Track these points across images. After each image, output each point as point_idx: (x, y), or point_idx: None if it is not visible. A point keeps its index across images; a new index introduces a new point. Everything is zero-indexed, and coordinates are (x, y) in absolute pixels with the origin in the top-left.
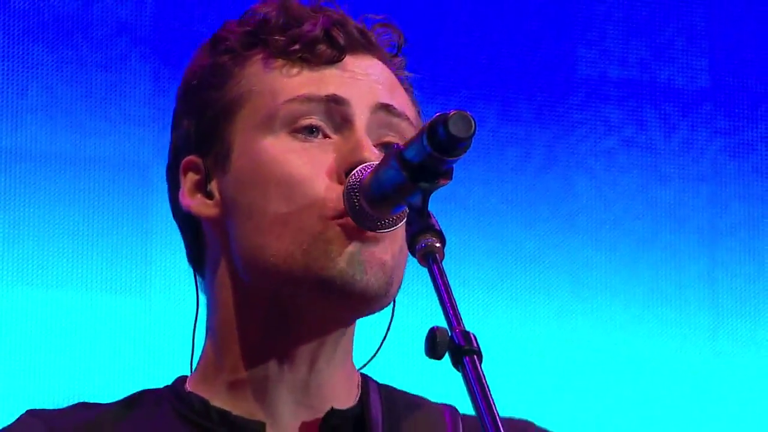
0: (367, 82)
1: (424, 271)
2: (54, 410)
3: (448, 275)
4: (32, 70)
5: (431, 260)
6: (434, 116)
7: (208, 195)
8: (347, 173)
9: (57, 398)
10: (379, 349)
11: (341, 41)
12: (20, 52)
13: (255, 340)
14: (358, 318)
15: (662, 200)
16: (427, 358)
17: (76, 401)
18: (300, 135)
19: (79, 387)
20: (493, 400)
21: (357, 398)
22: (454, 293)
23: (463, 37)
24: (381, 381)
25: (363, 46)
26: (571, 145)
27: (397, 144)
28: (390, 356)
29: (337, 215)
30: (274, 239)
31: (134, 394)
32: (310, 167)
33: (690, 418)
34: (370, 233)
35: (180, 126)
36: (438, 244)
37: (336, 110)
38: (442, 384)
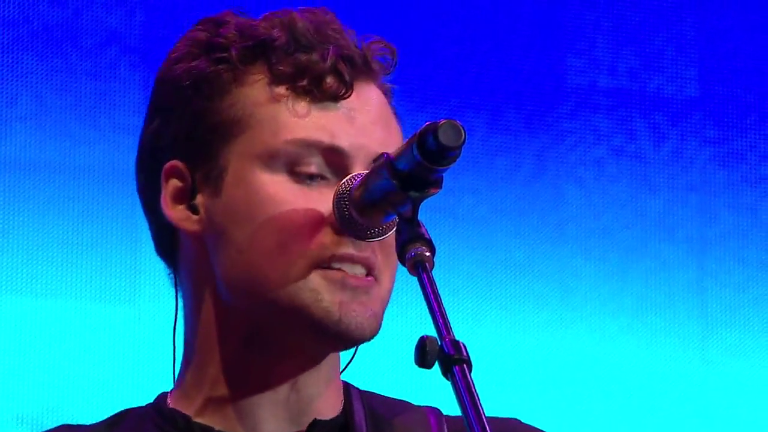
0: (364, 128)
1: (414, 279)
2: None
3: (437, 284)
4: (22, 79)
5: (421, 269)
6: (424, 125)
7: (192, 209)
8: None
9: (46, 408)
10: (353, 356)
11: (347, 77)
12: (10, 61)
13: (235, 358)
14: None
15: (651, 210)
16: (417, 366)
17: (64, 410)
18: (299, 178)
19: (68, 396)
20: (482, 409)
21: (341, 408)
22: (443, 302)
23: (453, 46)
24: (372, 389)
25: (365, 74)
26: (560, 155)
27: (387, 153)
28: (381, 365)
29: (319, 264)
30: (262, 279)
31: (118, 413)
32: (307, 211)
33: (680, 427)
34: (359, 282)
35: (166, 123)
36: (428, 253)
37: (336, 159)
38: (432, 392)
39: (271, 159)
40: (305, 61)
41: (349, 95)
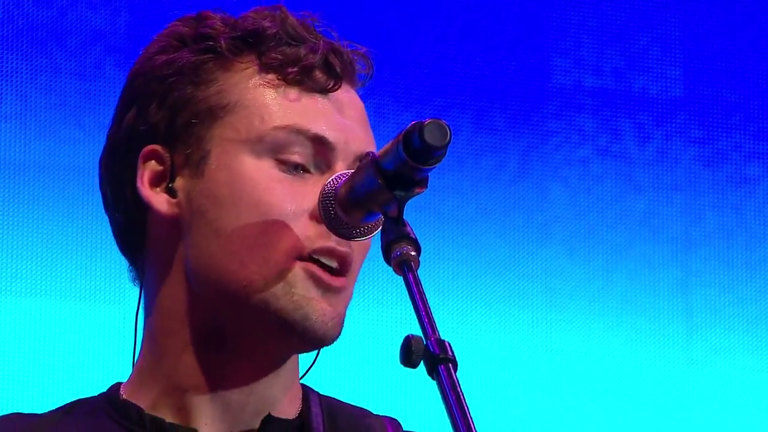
0: (350, 125)
1: (399, 279)
2: None
3: (423, 284)
4: (6, 79)
5: (406, 269)
6: (410, 124)
7: (171, 192)
8: None
9: (29, 405)
10: (314, 361)
11: (338, 70)
12: None
13: (193, 352)
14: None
15: (636, 209)
16: (401, 366)
17: (48, 408)
18: (284, 166)
19: (51, 395)
20: (468, 408)
21: (298, 411)
22: (429, 301)
23: (439, 47)
24: (357, 388)
25: (349, 75)
26: (545, 155)
27: (372, 152)
28: (367, 363)
29: (305, 257)
30: (238, 264)
31: (69, 403)
32: (290, 201)
33: (664, 425)
34: (334, 281)
35: (143, 111)
36: (413, 253)
37: (321, 151)
38: (416, 391)
39: (258, 144)
40: (296, 51)
41: (338, 88)
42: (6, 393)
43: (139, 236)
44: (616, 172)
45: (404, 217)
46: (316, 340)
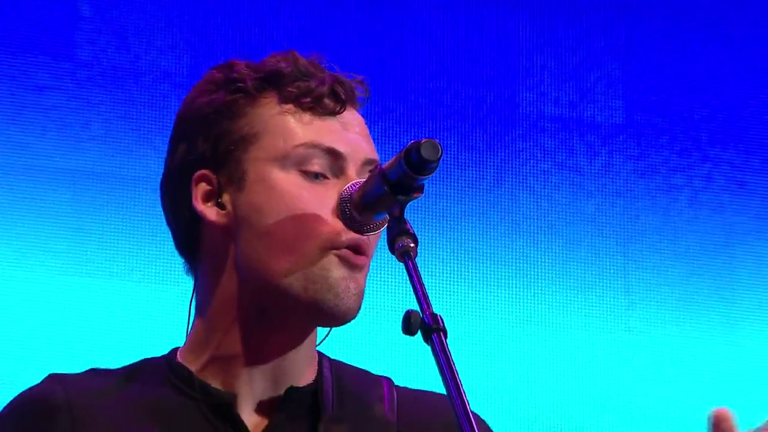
0: (356, 138)
1: (401, 265)
2: (71, 375)
3: (420, 268)
4: (92, 108)
5: (407, 257)
6: (409, 143)
7: (219, 206)
8: None
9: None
10: (328, 334)
11: (343, 97)
12: (85, 94)
13: (238, 327)
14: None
15: (587, 211)
16: (402, 334)
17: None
18: (306, 176)
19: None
20: (455, 367)
21: (314, 377)
22: (424, 282)
23: (432, 83)
24: (371, 348)
25: (352, 100)
26: (515, 168)
27: (380, 165)
28: (378, 331)
29: (334, 246)
30: (279, 260)
31: (137, 362)
32: (316, 204)
33: (607, 384)
34: (358, 260)
35: (192, 144)
36: (412, 245)
37: (335, 160)
38: (413, 353)
39: (284, 160)
40: (308, 85)
41: (344, 111)
42: (85, 357)
43: (195, 242)
44: (570, 181)
45: (405, 216)
46: (342, 315)
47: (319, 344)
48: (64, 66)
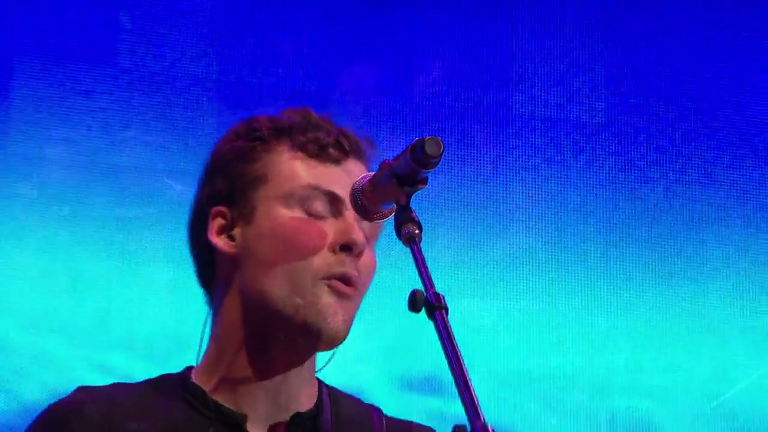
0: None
1: (407, 249)
2: (98, 387)
3: (424, 252)
4: (132, 111)
5: (412, 242)
6: (415, 140)
7: (231, 237)
8: (341, 247)
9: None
10: (329, 360)
11: (346, 147)
12: (126, 97)
13: (245, 350)
14: (319, 352)
15: (572, 201)
16: (408, 311)
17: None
18: (309, 214)
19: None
20: (455, 341)
21: (315, 400)
22: (428, 265)
23: (434, 88)
24: (385, 321)
25: (355, 152)
26: (509, 163)
27: (388, 160)
28: (389, 306)
29: (326, 276)
30: (277, 286)
31: (155, 378)
32: (313, 238)
33: (594, 356)
34: (346, 290)
35: (213, 183)
36: (417, 231)
37: (333, 202)
38: (418, 326)
39: (290, 198)
40: (316, 135)
41: (347, 160)
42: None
43: (210, 272)
44: (558, 174)
45: (411, 205)
46: (328, 338)
47: (319, 371)
48: (107, 72)
